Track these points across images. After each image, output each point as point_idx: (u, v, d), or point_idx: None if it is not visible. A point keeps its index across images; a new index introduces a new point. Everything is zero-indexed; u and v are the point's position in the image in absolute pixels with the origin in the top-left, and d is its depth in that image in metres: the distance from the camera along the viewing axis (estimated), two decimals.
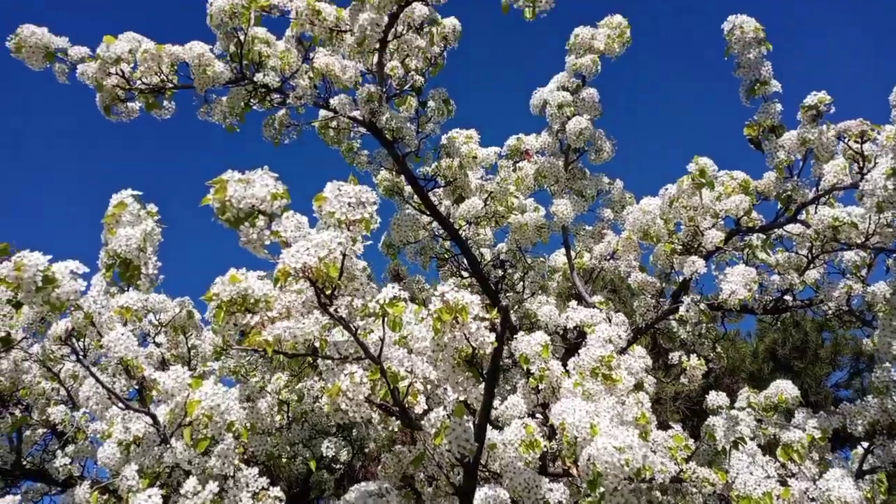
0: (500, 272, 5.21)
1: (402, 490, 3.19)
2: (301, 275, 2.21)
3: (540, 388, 3.49)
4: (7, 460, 4.28)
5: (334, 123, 4.81)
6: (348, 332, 2.35)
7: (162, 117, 4.24)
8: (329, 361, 2.37)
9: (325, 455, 4.11)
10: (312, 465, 4.10)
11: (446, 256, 5.12)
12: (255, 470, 3.19)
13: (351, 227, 2.40)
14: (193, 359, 4.38)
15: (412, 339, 2.60)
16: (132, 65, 4.01)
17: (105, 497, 2.88)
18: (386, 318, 2.39)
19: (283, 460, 4.03)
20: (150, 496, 2.61)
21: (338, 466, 4.60)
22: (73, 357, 4.57)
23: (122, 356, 2.74)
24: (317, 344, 2.48)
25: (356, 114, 4.45)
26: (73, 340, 4.20)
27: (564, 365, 3.56)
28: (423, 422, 2.55)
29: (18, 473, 4.34)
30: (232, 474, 2.97)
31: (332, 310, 2.29)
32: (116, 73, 3.83)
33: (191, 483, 2.71)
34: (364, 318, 2.41)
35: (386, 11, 3.63)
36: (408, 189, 4.87)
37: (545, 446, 3.13)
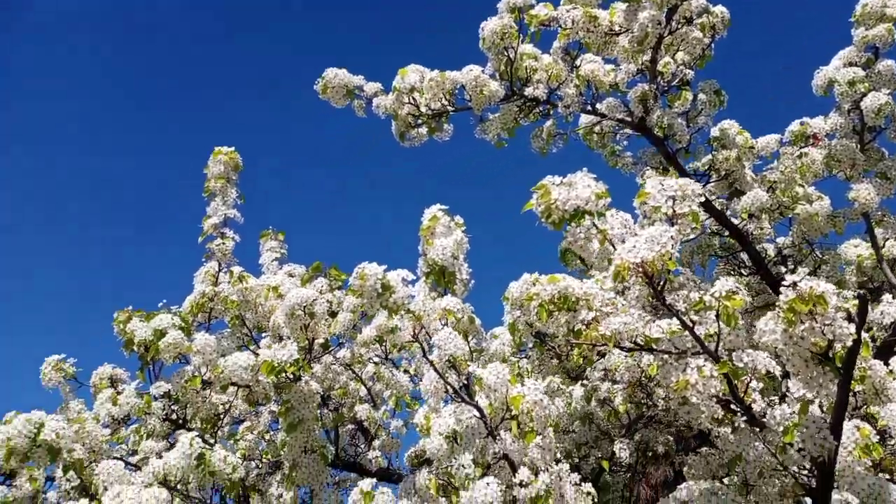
0: (782, 268, 4.86)
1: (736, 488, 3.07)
2: (639, 270, 2.24)
3: (857, 389, 3.18)
4: (328, 453, 4.85)
5: (598, 128, 4.85)
6: (684, 327, 2.33)
7: (442, 139, 4.59)
8: (666, 356, 2.37)
9: (618, 455, 4.10)
10: (605, 465, 4.12)
11: (723, 254, 4.89)
12: (567, 465, 3.30)
13: (677, 221, 2.40)
14: (476, 361, 4.64)
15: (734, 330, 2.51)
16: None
17: (441, 483, 3.14)
18: (720, 312, 2.34)
19: (576, 460, 4.11)
20: (487, 483, 2.81)
21: (622, 469, 4.58)
22: (377, 359, 5.11)
23: (451, 353, 2.99)
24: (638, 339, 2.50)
25: (623, 115, 4.45)
26: (380, 344, 4.68)
27: (886, 364, 3.21)
28: (766, 419, 2.44)
29: (339, 465, 4.90)
30: (547, 468, 3.10)
31: (668, 303, 2.29)
32: (409, 102, 4.22)
33: (524, 472, 2.87)
34: (697, 312, 2.38)
35: (666, 6, 3.60)
36: None
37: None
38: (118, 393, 4.04)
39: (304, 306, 3.94)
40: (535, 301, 2.77)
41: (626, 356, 3.85)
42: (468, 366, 3.12)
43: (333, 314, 4.26)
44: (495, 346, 4.50)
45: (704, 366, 2.24)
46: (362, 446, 5.29)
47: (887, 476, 2.52)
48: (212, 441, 3.82)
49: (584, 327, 2.47)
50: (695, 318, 2.36)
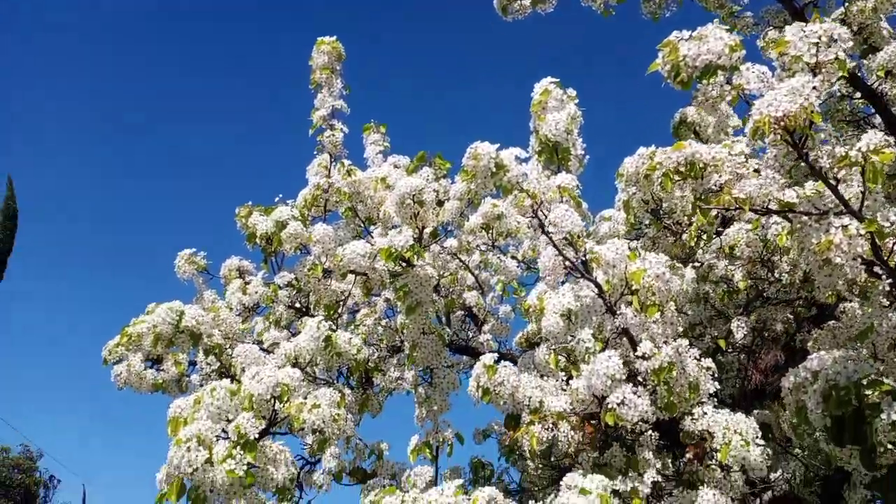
0: None
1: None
2: (779, 124, 2.09)
3: None
4: (445, 334, 5.00)
5: None
6: (827, 185, 2.19)
7: (545, 11, 4.36)
8: (805, 219, 2.24)
9: (734, 334, 4.03)
10: (722, 343, 4.06)
11: (853, 119, 4.51)
12: (686, 341, 3.27)
13: (822, 70, 2.19)
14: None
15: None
16: None
17: (562, 358, 3.20)
18: (865, 169, 2.17)
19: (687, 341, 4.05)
20: (609, 356, 2.83)
21: (736, 350, 4.50)
22: (484, 246, 5.16)
23: (568, 230, 2.95)
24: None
25: None
26: (486, 232, 4.70)
27: None
28: None
29: (452, 348, 5.08)
30: (668, 342, 3.09)
31: (810, 160, 2.14)
32: None
33: (647, 345, 2.87)
34: (841, 168, 2.22)
35: None
36: None
37: None
38: (246, 283, 4.30)
39: (413, 195, 3.98)
40: (659, 171, 2.66)
41: (747, 231, 3.70)
42: (584, 243, 3.08)
43: (440, 203, 4.30)
44: (606, 228, 4.43)
45: (850, 224, 2.11)
46: (473, 332, 5.44)
47: None
48: (334, 327, 4.02)
49: (714, 193, 2.36)
50: (839, 175, 2.20)
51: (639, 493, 2.79)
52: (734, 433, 2.93)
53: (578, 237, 2.98)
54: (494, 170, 3.04)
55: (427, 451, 3.87)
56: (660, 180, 2.64)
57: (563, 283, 3.46)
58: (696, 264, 4.32)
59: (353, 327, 4.70)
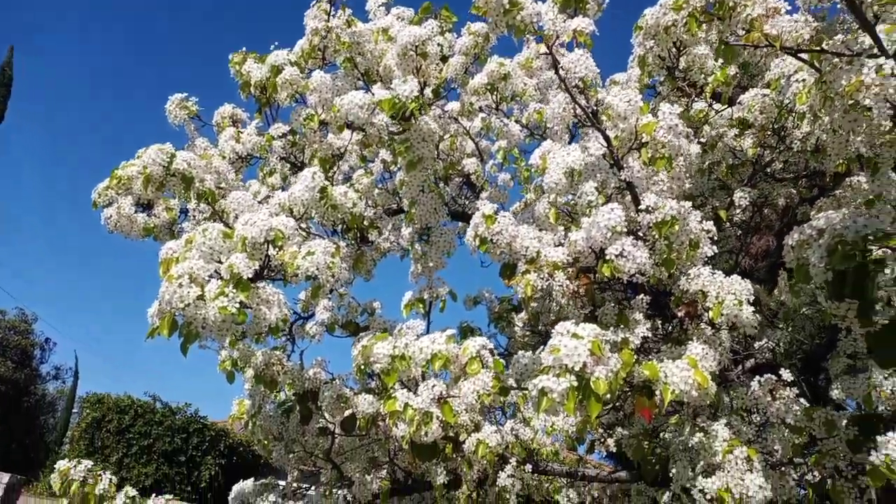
0: None
1: None
2: None
3: None
4: (444, 193, 4.91)
5: None
6: (862, 25, 2.04)
7: None
8: (836, 60, 2.12)
9: (736, 204, 3.98)
10: (723, 214, 4.02)
11: None
12: (689, 203, 3.21)
13: None
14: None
15: None
16: None
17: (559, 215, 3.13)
18: None
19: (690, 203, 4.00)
20: (612, 208, 2.77)
21: (735, 226, 4.48)
22: (488, 110, 4.99)
23: (582, 75, 2.81)
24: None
25: None
26: (491, 93, 4.53)
27: None
28: None
29: (449, 214, 5.03)
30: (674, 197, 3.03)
31: None
32: None
33: (651, 198, 2.80)
34: (882, 6, 2.07)
35: None
36: None
37: None
38: (240, 132, 4.16)
39: (417, 45, 3.78)
40: (685, 11, 2.49)
41: (763, 96, 3.57)
42: (597, 92, 2.95)
43: (444, 59, 4.10)
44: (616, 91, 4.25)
45: (885, 64, 1.98)
46: (470, 199, 5.37)
47: None
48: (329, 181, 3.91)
49: (744, 31, 2.22)
50: (877, 11, 2.05)
51: (629, 343, 2.81)
52: (729, 293, 2.93)
53: (591, 86, 2.84)
54: (508, 6, 2.85)
55: (420, 305, 3.89)
56: (685, 22, 2.48)
57: (569, 141, 3.36)
58: (702, 139, 4.21)
59: (349, 184, 4.61)
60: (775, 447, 2.99)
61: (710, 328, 3.08)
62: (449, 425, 2.98)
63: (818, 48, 2.13)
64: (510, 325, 5.10)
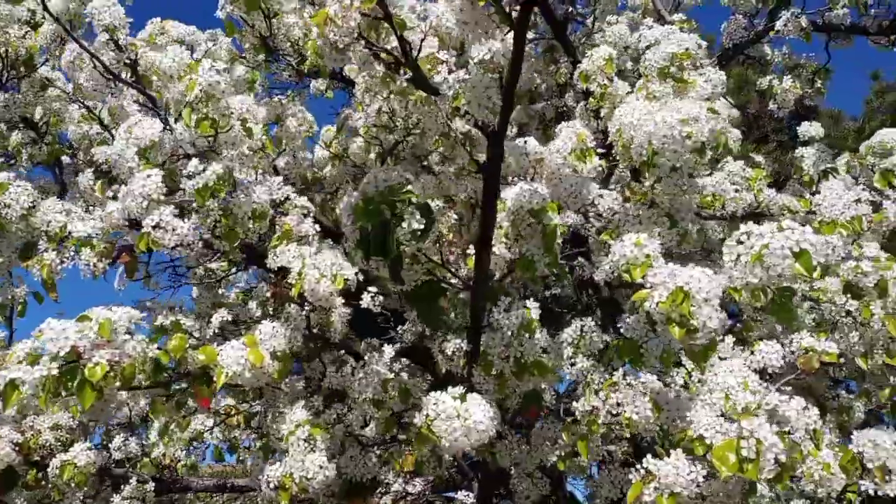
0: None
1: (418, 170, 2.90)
2: None
3: (601, 112, 3.03)
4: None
5: None
6: None
7: None
8: None
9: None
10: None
11: None
12: (280, 178, 2.99)
13: None
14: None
15: None
16: None
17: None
18: None
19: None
20: (149, 175, 2.41)
21: None
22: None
23: (107, 24, 2.42)
24: None
25: None
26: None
27: None
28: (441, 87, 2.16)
29: None
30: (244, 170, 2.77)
31: None
32: None
33: (193, 163, 2.48)
34: None
35: None
36: None
37: (600, 165, 2.75)
38: None
39: None
40: None
41: None
42: (138, 46, 2.58)
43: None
44: None
45: None
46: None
47: None
48: None
49: None
50: None
51: (181, 327, 2.49)
52: (314, 268, 2.74)
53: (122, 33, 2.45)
54: None
55: None
56: None
57: None
58: None
59: None
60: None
61: (298, 306, 2.88)
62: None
63: None
64: None
